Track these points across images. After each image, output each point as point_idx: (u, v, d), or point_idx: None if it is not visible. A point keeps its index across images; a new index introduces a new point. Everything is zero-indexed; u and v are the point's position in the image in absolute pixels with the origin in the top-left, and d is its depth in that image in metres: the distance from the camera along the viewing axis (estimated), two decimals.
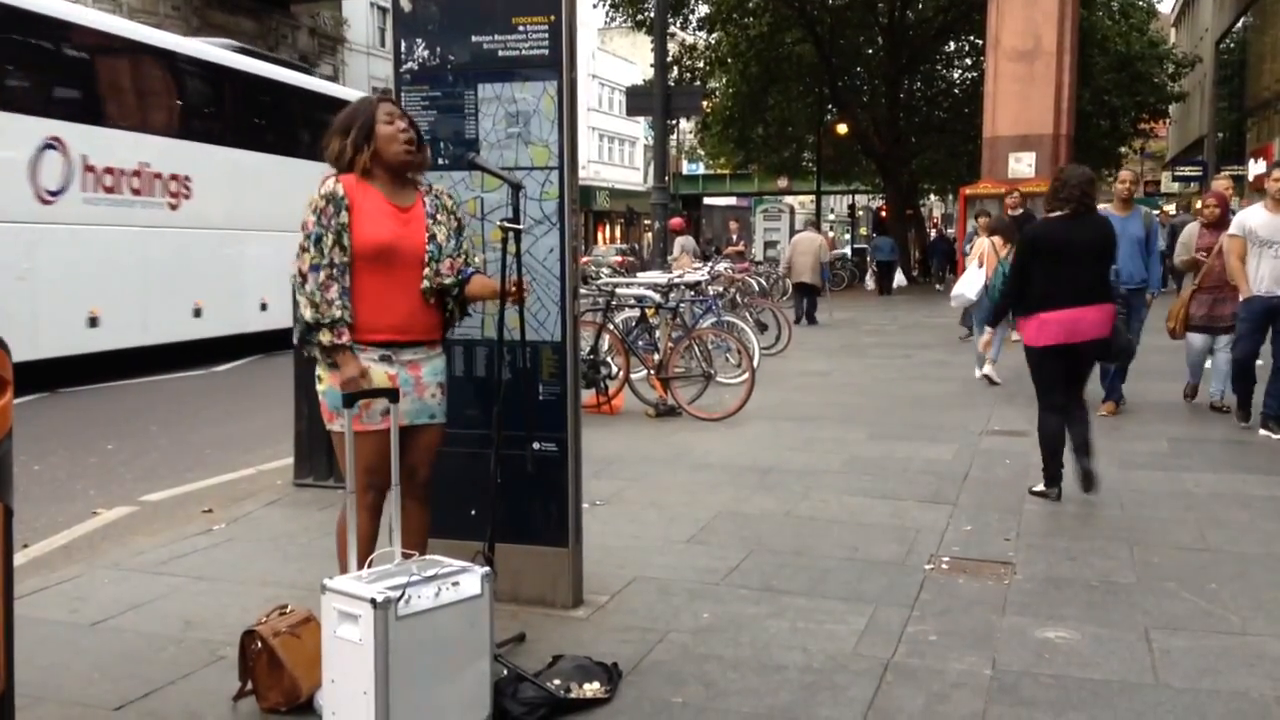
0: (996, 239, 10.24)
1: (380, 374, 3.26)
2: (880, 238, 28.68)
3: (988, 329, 6.61)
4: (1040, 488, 5.72)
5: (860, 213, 58.02)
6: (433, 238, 3.34)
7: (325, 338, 3.17)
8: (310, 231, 3.20)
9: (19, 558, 4.45)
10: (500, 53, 3.88)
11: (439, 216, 3.39)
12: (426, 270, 3.31)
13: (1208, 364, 8.33)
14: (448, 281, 3.34)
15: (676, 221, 19.73)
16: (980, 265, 10.29)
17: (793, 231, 27.02)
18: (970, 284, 10.39)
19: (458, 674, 2.90)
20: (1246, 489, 5.90)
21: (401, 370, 3.30)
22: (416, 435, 3.37)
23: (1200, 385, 8.57)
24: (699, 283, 10.57)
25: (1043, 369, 5.64)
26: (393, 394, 3.16)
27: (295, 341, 3.28)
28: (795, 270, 17.30)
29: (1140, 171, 46.98)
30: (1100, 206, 7.03)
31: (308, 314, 3.17)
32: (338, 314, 3.16)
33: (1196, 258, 8.03)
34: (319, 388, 3.32)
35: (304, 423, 6.03)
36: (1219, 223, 7.94)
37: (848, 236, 54.87)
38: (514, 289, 3.38)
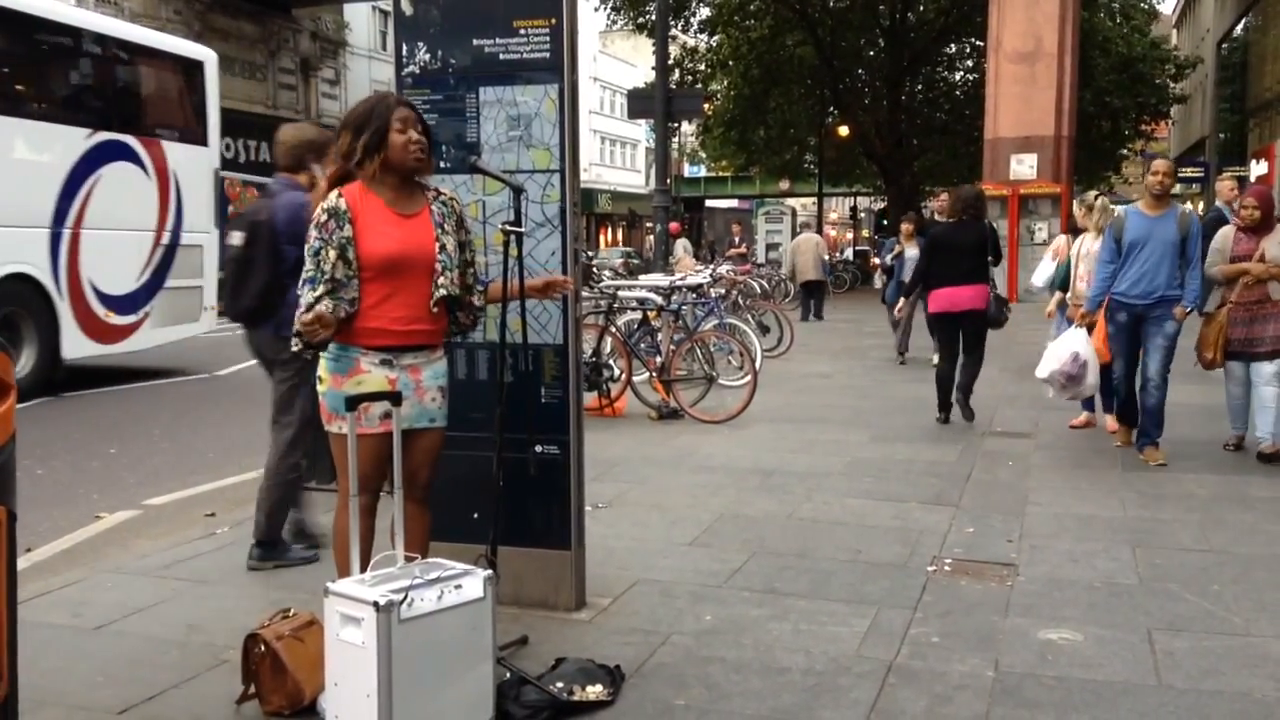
0: (1069, 236, 11.15)
1: (380, 378, 3.25)
2: (889, 239, 28.76)
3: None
4: (938, 415, 8.02)
5: (862, 215, 58.03)
6: (442, 248, 3.32)
7: (298, 346, 3.20)
8: (310, 244, 3.20)
9: (22, 562, 4.44)
10: (501, 56, 3.88)
11: (447, 226, 3.37)
12: (438, 281, 3.30)
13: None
14: (455, 292, 3.34)
15: (675, 225, 20.09)
16: (1054, 259, 10.37)
17: (794, 233, 27.12)
18: (1042, 274, 10.53)
19: (460, 677, 2.91)
20: (1249, 490, 5.89)
21: (402, 374, 3.30)
22: (416, 439, 3.36)
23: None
24: (701, 285, 10.58)
25: (938, 329, 8.25)
26: (395, 397, 3.16)
27: (294, 348, 3.27)
28: (799, 270, 18.11)
29: (1143, 172, 46.94)
30: (1122, 207, 6.44)
31: (299, 325, 3.15)
32: (299, 327, 3.13)
33: (1244, 267, 6.63)
34: (319, 389, 3.32)
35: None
36: (1260, 226, 6.67)
37: (850, 236, 54.86)
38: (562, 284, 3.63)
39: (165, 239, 11.55)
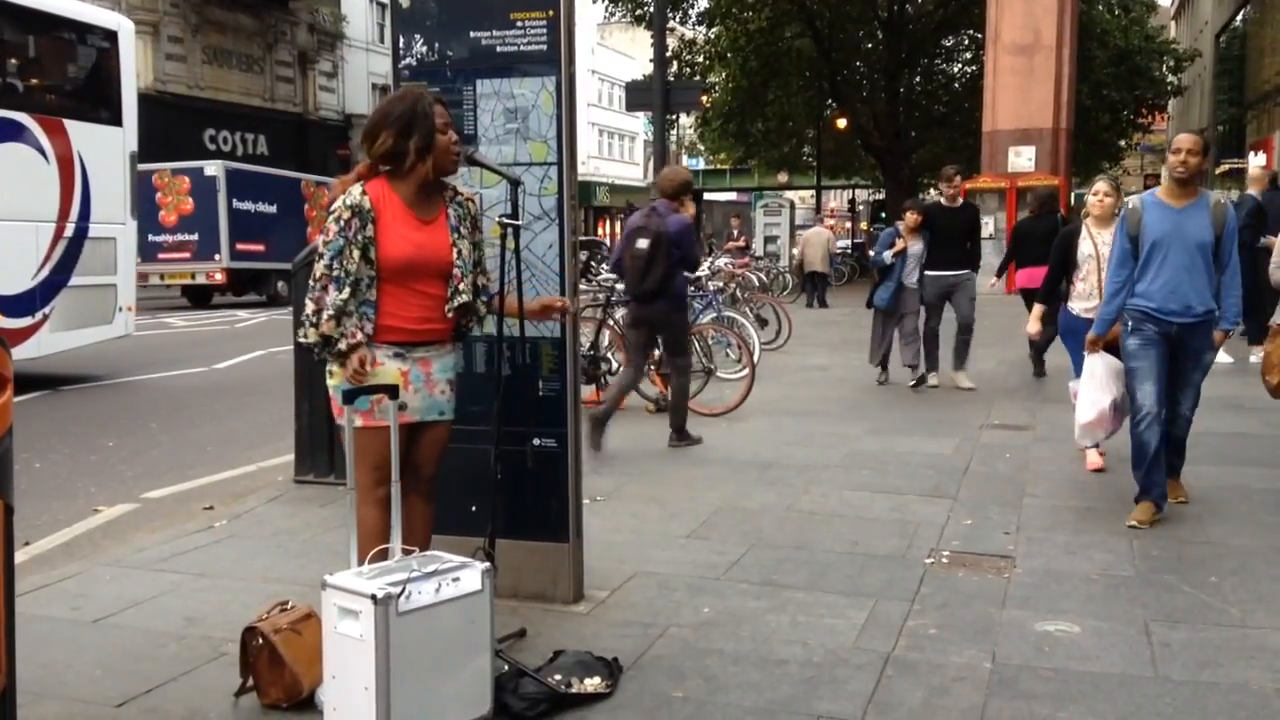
0: None
1: (393, 370, 3.26)
2: (886, 230, 28.78)
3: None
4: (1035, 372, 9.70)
5: (860, 208, 58.05)
6: (459, 254, 3.33)
7: (344, 345, 3.16)
8: (332, 240, 3.17)
9: (20, 555, 4.46)
10: (499, 48, 3.88)
11: (462, 229, 3.38)
12: (458, 287, 3.31)
13: None
14: (466, 299, 3.35)
15: None
16: None
17: (793, 226, 27.26)
18: None
19: (458, 669, 2.91)
20: (1246, 481, 5.89)
21: (413, 367, 3.31)
22: (424, 432, 3.38)
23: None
24: (699, 278, 10.57)
25: (1026, 300, 8.99)
26: (392, 390, 3.16)
27: (302, 339, 3.24)
28: (807, 261, 19.96)
29: (1141, 165, 46.94)
30: (1136, 196, 5.33)
31: (325, 329, 3.14)
32: (359, 339, 3.15)
33: None
34: (330, 383, 3.31)
35: (305, 419, 6.03)
36: None
37: (848, 227, 54.81)
38: (560, 307, 3.60)
39: (69, 231, 10.26)
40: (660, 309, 6.88)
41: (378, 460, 3.20)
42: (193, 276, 22.40)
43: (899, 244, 9.40)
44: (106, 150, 10.76)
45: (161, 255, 22.08)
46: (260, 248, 22.74)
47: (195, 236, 21.96)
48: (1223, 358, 9.84)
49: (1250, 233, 9.79)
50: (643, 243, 6.76)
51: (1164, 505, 5.18)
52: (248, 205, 22.58)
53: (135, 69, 11.64)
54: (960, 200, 9.91)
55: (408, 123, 3.23)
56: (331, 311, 3.14)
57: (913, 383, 9.49)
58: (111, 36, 11.09)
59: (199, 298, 23.26)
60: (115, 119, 10.99)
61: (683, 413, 7.08)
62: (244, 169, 23.51)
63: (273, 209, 23.35)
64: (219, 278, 22.26)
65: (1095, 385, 5.46)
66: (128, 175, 11.06)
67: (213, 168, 22.25)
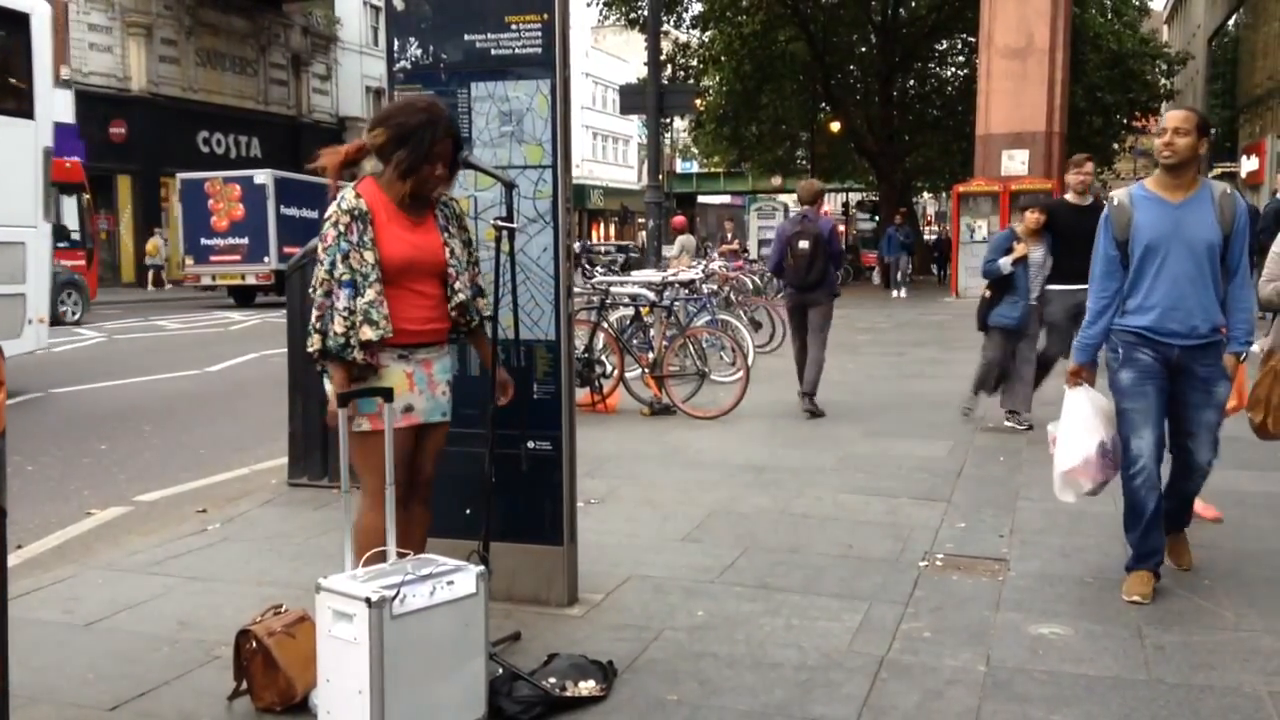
0: None
1: (399, 372, 3.26)
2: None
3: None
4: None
5: (853, 210, 58.18)
6: (451, 252, 3.35)
7: (359, 356, 3.16)
8: (335, 245, 3.17)
9: (13, 558, 4.44)
10: (493, 51, 3.88)
11: (451, 229, 3.40)
12: (448, 288, 3.34)
13: None
14: (465, 298, 3.37)
15: (679, 220, 20.22)
16: None
17: None
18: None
19: (453, 673, 2.91)
20: (1240, 485, 5.90)
21: (417, 368, 3.32)
22: (428, 433, 3.40)
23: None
24: (693, 281, 10.58)
25: None
26: (387, 392, 3.15)
27: (310, 349, 3.20)
28: None
29: (1134, 169, 47.07)
30: (1123, 191, 4.26)
31: (337, 328, 3.13)
32: (374, 337, 3.16)
33: None
34: (329, 389, 3.30)
35: (298, 422, 6.02)
36: None
37: (841, 229, 54.83)
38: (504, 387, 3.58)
39: None
40: (821, 295, 8.35)
41: (384, 464, 3.19)
42: (243, 278, 23.78)
43: (1018, 249, 7.39)
44: (14, 146, 9.56)
45: (214, 258, 23.63)
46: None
47: (245, 240, 23.33)
48: None
49: (1266, 236, 9.70)
50: (804, 244, 8.16)
51: (1160, 570, 4.22)
52: (293, 211, 23.78)
53: (52, 56, 10.51)
54: (1090, 197, 7.63)
55: (404, 137, 3.22)
56: (361, 316, 3.13)
57: (1015, 425, 7.63)
58: (22, 20, 9.82)
59: (244, 297, 24.71)
60: (25, 111, 9.74)
61: (817, 384, 8.46)
62: (290, 177, 24.67)
63: (314, 214, 24.55)
64: (268, 278, 23.64)
65: (1079, 425, 4.33)
66: (41, 173, 9.85)
67: (262, 176, 23.70)
